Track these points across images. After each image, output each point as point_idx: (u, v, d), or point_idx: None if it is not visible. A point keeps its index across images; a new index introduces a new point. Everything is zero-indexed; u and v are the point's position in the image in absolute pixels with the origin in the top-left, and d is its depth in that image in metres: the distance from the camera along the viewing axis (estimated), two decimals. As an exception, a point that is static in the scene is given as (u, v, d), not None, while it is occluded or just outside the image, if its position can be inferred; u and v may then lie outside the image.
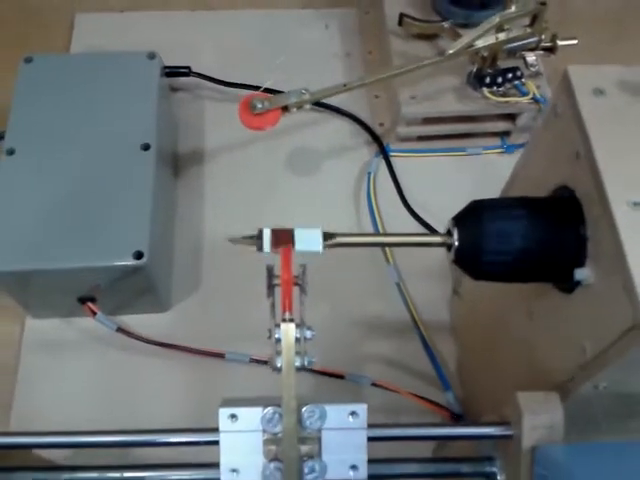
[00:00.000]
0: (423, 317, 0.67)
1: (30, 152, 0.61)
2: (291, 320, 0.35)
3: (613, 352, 0.34)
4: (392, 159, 0.77)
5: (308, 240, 0.38)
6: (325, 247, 0.38)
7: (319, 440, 0.37)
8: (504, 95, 0.73)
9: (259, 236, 0.38)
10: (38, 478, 0.42)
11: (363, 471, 0.37)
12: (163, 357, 0.64)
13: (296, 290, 0.36)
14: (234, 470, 0.37)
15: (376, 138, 0.78)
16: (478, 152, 0.78)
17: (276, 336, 0.35)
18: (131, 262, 0.56)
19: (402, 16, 0.76)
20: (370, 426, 0.38)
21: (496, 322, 0.52)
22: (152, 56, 0.68)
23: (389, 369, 0.64)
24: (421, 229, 0.71)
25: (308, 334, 0.35)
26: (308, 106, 0.62)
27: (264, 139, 0.77)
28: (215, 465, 0.38)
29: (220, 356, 0.62)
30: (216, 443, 0.38)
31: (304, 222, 0.39)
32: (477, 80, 0.73)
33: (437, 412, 0.60)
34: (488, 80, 0.72)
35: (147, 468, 0.42)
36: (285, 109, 0.62)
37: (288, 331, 0.35)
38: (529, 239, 0.37)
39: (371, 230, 0.73)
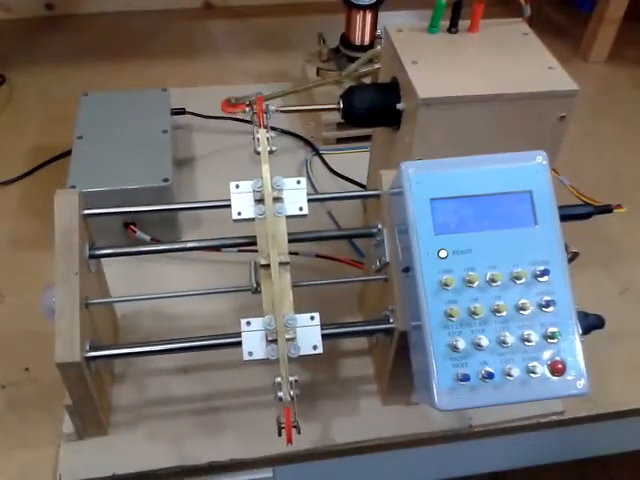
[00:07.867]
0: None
1: (91, 136, 1.00)
2: (265, 128, 0.72)
3: (417, 131, 0.72)
4: (323, 156, 1.18)
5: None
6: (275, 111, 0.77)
7: (282, 192, 0.72)
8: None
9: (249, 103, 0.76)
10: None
11: (305, 210, 0.72)
12: (179, 262, 0.98)
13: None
14: (239, 213, 0.71)
15: (310, 144, 1.20)
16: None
17: (257, 136, 0.72)
18: (162, 184, 0.93)
19: (318, 69, 1.21)
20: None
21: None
22: (165, 90, 1.10)
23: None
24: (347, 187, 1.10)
25: (273, 134, 0.72)
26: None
27: (240, 148, 1.18)
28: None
29: (218, 249, 0.96)
30: (229, 207, 0.72)
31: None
32: (368, 99, 1.16)
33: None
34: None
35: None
36: (248, 105, 1.02)
37: (262, 134, 0.72)
38: (376, 98, 0.77)
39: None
